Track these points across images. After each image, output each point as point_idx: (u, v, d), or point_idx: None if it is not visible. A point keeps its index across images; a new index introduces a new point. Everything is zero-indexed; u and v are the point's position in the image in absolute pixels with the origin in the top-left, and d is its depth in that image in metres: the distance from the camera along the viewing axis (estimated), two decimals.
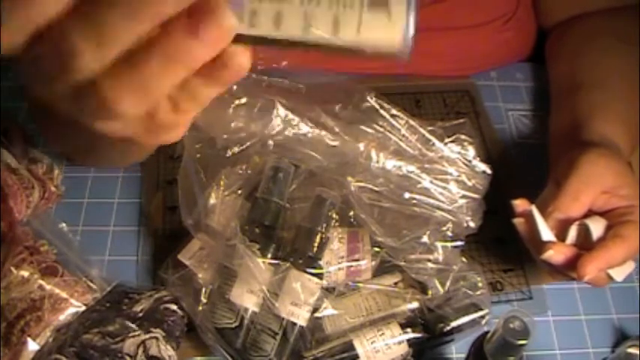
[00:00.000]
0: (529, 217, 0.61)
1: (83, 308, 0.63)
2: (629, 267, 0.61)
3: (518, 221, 0.62)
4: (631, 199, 0.62)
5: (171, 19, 0.29)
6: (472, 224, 0.60)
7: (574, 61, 0.79)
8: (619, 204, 0.62)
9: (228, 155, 0.61)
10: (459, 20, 0.82)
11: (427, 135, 0.60)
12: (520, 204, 0.62)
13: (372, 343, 0.60)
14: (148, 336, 0.61)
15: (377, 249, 0.63)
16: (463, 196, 0.60)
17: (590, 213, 0.62)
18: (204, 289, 0.62)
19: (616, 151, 0.65)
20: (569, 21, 0.84)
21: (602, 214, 0.62)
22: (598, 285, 0.62)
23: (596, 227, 0.60)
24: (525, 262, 0.73)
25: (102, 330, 0.61)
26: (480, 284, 0.63)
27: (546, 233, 0.60)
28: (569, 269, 0.59)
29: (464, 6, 0.82)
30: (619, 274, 0.60)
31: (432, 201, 0.59)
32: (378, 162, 0.59)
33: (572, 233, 0.61)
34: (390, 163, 0.59)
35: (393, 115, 0.59)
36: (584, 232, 0.61)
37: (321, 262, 0.61)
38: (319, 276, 0.60)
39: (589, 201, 0.61)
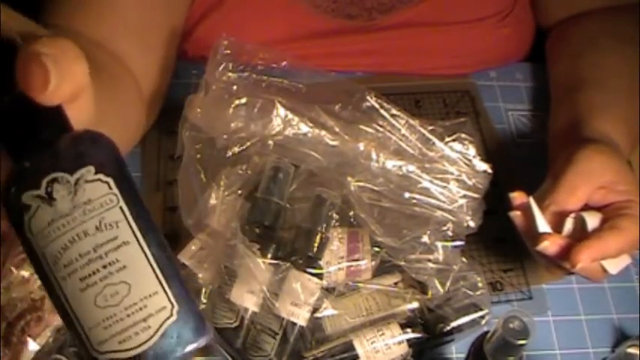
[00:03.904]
0: (526, 210, 0.61)
1: None
2: (624, 261, 0.61)
3: (514, 214, 0.62)
4: (629, 195, 0.62)
5: None
6: (472, 224, 0.60)
7: (574, 61, 0.79)
8: (616, 199, 0.62)
9: (228, 155, 0.61)
10: (455, 16, 0.82)
11: (427, 134, 0.60)
12: (517, 196, 0.63)
13: (372, 343, 0.60)
14: None
15: (377, 249, 0.63)
16: (463, 196, 0.60)
17: (586, 208, 0.62)
18: (204, 289, 0.62)
19: (615, 147, 0.65)
20: (568, 20, 0.84)
21: (598, 209, 0.62)
22: (593, 278, 0.62)
23: (592, 220, 0.60)
24: (525, 262, 0.73)
25: None
26: (480, 284, 0.63)
27: (543, 225, 0.60)
28: (564, 261, 0.59)
29: (460, 2, 0.82)
30: (613, 266, 0.60)
31: (432, 201, 0.59)
32: (378, 162, 0.59)
33: (568, 225, 0.61)
34: (390, 163, 0.59)
35: (393, 115, 0.59)
36: (580, 224, 0.61)
37: (321, 262, 0.61)
38: (319, 276, 0.60)
39: (585, 195, 0.61)
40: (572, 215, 0.61)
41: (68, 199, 0.33)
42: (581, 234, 0.60)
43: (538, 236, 0.59)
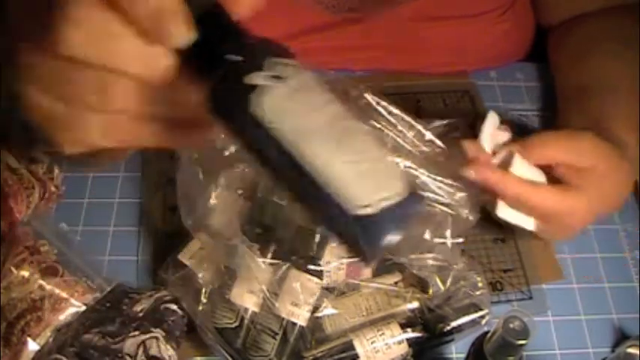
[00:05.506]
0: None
1: (83, 308, 0.63)
2: (523, 221, 0.61)
3: (468, 172, 0.60)
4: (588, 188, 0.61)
5: None
6: (471, 217, 0.60)
7: (579, 64, 0.79)
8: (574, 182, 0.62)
9: (227, 155, 0.61)
10: (455, 10, 0.82)
11: (423, 130, 0.60)
12: (470, 146, 0.61)
13: (372, 343, 0.60)
14: (148, 336, 0.61)
15: None
16: (461, 190, 0.60)
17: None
18: (204, 289, 0.62)
19: (624, 150, 0.66)
20: (570, 20, 0.84)
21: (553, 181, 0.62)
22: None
23: (522, 166, 0.60)
24: (525, 262, 0.73)
25: (102, 330, 0.61)
26: (480, 284, 0.63)
27: (487, 142, 0.60)
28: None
29: None
30: (506, 212, 0.61)
31: (430, 195, 0.59)
32: None
33: (500, 156, 0.61)
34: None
35: (390, 112, 0.59)
36: (509, 161, 0.61)
37: (321, 262, 0.61)
38: (319, 276, 0.60)
39: (549, 158, 0.62)
40: (508, 149, 0.61)
41: (296, 74, 0.33)
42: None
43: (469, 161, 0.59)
